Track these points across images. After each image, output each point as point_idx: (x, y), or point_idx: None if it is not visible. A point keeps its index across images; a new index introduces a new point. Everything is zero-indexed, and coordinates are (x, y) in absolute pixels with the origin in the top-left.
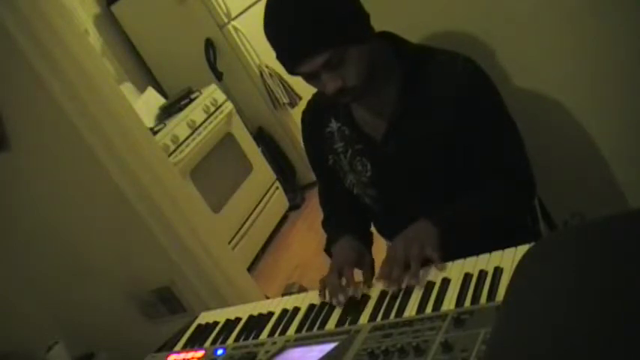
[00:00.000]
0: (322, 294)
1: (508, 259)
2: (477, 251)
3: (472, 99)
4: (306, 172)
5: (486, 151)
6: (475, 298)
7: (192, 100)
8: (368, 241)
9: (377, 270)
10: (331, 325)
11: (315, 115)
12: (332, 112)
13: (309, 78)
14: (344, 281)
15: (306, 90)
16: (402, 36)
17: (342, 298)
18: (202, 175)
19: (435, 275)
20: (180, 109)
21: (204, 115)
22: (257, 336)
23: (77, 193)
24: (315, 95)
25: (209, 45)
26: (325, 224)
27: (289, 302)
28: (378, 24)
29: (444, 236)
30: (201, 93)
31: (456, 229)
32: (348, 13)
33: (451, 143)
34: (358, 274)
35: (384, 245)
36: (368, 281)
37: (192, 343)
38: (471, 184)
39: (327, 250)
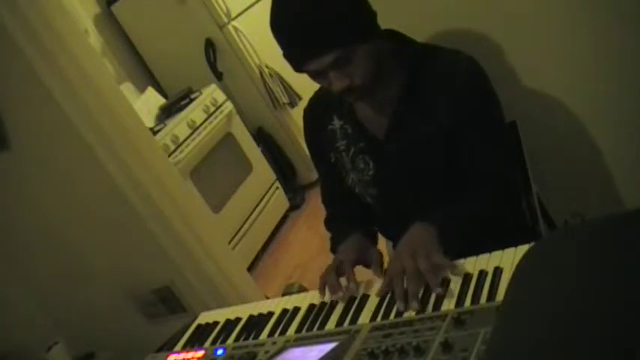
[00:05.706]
0: (322, 291)
1: (508, 259)
2: (476, 251)
3: (467, 99)
4: (306, 172)
5: (470, 153)
6: (475, 298)
7: (192, 100)
8: (373, 238)
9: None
10: (331, 325)
11: (317, 112)
12: (335, 110)
13: (316, 76)
14: (342, 278)
15: (306, 90)
16: (406, 34)
17: (340, 294)
18: (202, 175)
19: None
20: (180, 109)
21: (204, 115)
22: (257, 336)
23: (77, 193)
24: (317, 92)
25: (209, 45)
26: (329, 224)
27: (289, 302)
28: (384, 22)
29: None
30: (201, 93)
31: (447, 229)
32: (356, 12)
33: (451, 143)
34: (361, 272)
35: (384, 245)
36: (377, 273)
37: (192, 343)
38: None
39: (333, 251)
